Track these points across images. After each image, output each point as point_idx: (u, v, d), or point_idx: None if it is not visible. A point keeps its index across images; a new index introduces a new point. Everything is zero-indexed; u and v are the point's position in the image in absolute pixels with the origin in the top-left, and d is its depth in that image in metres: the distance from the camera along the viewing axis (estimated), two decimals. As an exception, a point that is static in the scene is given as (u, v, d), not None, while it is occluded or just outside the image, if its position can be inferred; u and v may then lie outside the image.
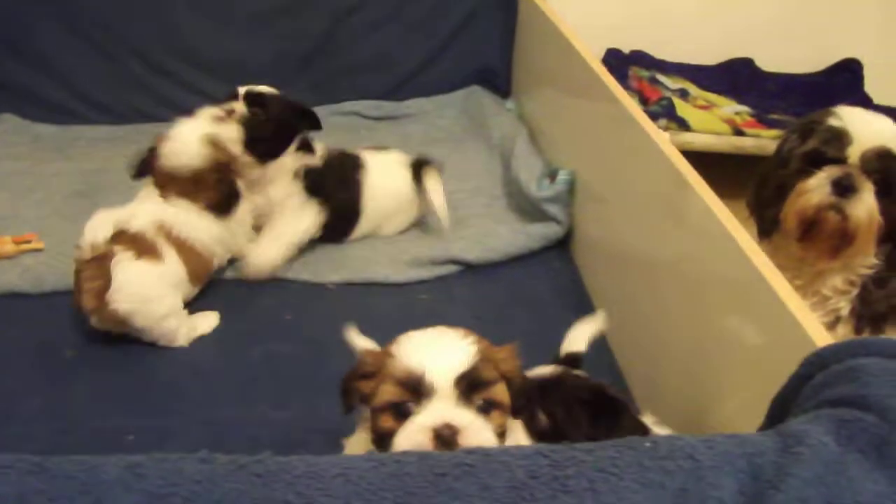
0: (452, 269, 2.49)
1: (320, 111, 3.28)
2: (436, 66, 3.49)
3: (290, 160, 2.51)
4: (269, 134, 2.44)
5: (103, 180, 2.90)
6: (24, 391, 2.00)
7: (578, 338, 1.81)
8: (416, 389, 1.25)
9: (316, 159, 2.56)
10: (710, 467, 1.05)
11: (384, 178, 2.61)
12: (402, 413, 1.27)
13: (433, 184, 2.59)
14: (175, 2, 3.36)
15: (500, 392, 1.30)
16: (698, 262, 1.82)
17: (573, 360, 1.79)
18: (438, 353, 1.28)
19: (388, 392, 1.28)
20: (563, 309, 2.33)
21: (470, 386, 1.25)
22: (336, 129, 3.29)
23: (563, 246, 2.59)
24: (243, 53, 3.40)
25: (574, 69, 2.63)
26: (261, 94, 2.48)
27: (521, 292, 2.41)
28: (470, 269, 2.49)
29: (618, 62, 3.67)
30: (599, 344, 2.17)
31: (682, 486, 1.03)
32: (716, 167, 2.41)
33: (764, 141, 3.33)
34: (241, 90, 2.50)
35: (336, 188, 2.56)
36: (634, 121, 2.14)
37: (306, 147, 2.55)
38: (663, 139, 2.02)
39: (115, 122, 3.40)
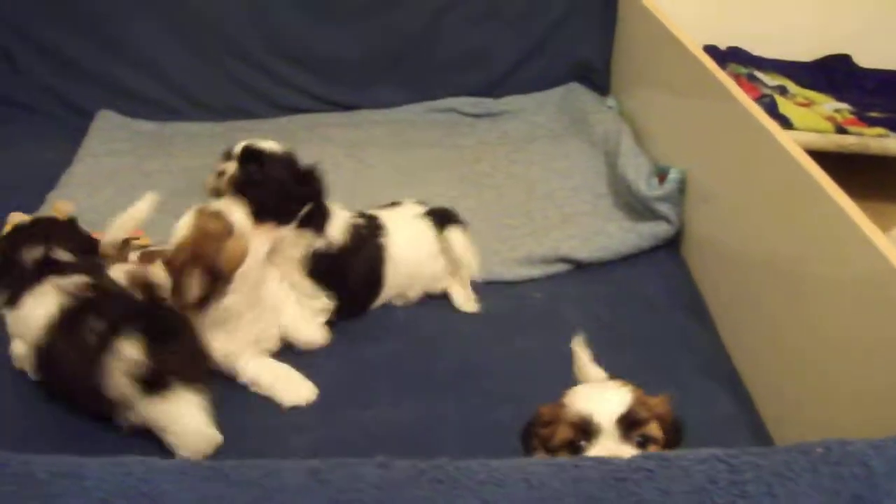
0: (562, 267, 2.48)
1: (417, 108, 3.34)
2: (533, 62, 3.48)
3: (289, 241, 2.17)
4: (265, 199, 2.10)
5: (205, 177, 2.92)
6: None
7: None
8: (587, 430, 1.44)
9: (327, 238, 2.21)
10: (883, 474, 1.04)
11: (406, 238, 2.31)
12: (575, 450, 1.45)
13: (458, 239, 2.32)
14: (273, -1, 3.39)
15: (654, 429, 1.49)
16: (828, 262, 1.79)
17: None
18: (602, 399, 1.48)
19: (564, 433, 1.47)
20: (675, 309, 2.33)
21: (628, 425, 1.44)
22: (434, 125, 3.33)
23: (672, 245, 2.57)
24: (340, 50, 3.44)
25: (683, 66, 2.62)
26: (259, 152, 2.30)
27: (633, 292, 2.40)
28: (580, 267, 2.48)
29: (715, 58, 3.62)
30: (716, 348, 2.17)
31: (855, 492, 1.03)
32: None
33: (867, 139, 3.29)
34: (239, 146, 2.39)
35: (353, 265, 2.24)
36: (754, 118, 2.12)
37: (315, 221, 2.20)
38: (787, 138, 2.00)
39: (213, 118, 3.44)
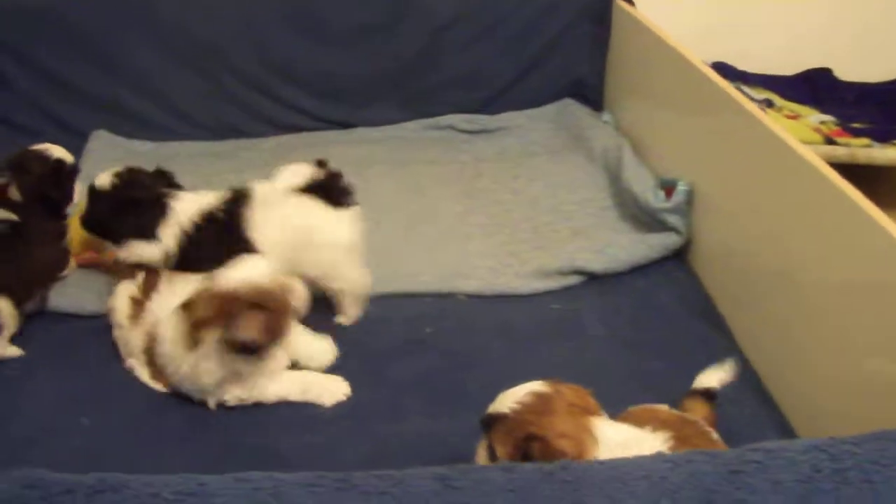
0: (577, 279, 2.52)
1: (414, 125, 3.38)
2: (528, 80, 3.52)
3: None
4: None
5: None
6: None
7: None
8: None
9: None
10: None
11: (277, 220, 2.23)
12: None
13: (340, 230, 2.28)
14: (270, 18, 3.41)
15: None
16: (851, 270, 1.84)
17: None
18: None
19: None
20: (691, 317, 2.38)
21: None
22: (432, 142, 3.36)
23: (680, 255, 2.62)
24: (338, 69, 3.46)
25: (683, 77, 2.68)
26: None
27: (648, 301, 2.45)
28: (594, 278, 2.52)
29: (702, 73, 3.70)
30: (734, 352, 2.20)
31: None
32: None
33: (854, 149, 3.37)
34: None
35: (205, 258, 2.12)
36: (765, 127, 2.18)
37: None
38: (804, 148, 2.05)
39: (211, 138, 3.45)
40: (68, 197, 2.46)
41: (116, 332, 2.18)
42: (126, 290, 2.18)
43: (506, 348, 2.25)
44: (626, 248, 2.58)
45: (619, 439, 1.51)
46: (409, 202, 2.93)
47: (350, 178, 2.95)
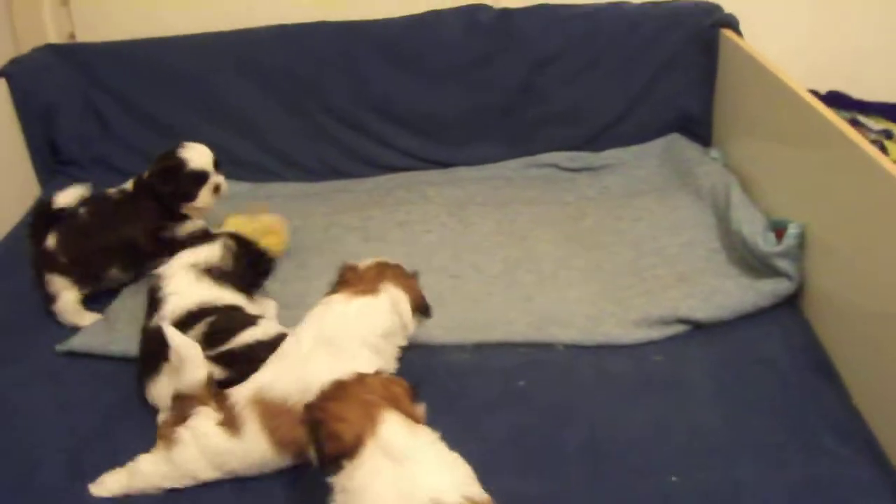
0: (680, 328, 2.40)
1: (515, 164, 3.32)
2: (633, 115, 3.42)
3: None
4: None
5: (306, 239, 2.93)
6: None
7: None
8: None
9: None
10: None
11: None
12: None
13: None
14: (368, 56, 3.40)
15: None
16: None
17: None
18: None
19: None
20: (802, 370, 2.24)
21: None
22: (533, 181, 3.30)
23: (792, 302, 2.47)
24: (436, 106, 3.43)
25: (793, 113, 2.55)
26: None
27: (756, 352, 2.31)
28: (699, 328, 2.41)
29: (817, 104, 3.55)
30: (849, 411, 2.07)
31: None
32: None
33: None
34: None
35: None
36: (880, 166, 2.03)
37: None
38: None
39: (308, 178, 3.47)
40: (191, 195, 2.73)
41: None
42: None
43: (604, 403, 2.16)
44: (733, 295, 2.45)
45: (397, 443, 1.59)
46: (508, 245, 2.86)
47: (449, 219, 2.94)
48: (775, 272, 2.45)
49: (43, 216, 2.67)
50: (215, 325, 2.21)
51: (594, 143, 3.44)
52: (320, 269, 2.63)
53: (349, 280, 2.11)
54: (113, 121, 3.47)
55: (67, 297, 2.60)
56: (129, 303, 2.65)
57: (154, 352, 2.14)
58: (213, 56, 3.40)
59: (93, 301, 2.66)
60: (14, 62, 3.33)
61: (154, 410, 2.14)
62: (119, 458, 2.00)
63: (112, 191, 2.77)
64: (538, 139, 3.44)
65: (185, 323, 2.18)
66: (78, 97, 3.44)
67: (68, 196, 2.70)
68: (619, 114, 3.42)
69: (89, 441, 2.11)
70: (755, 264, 2.52)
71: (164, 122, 3.44)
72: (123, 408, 2.19)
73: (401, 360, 2.12)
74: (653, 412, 2.12)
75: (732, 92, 3.19)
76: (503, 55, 3.37)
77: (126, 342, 2.41)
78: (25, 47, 3.45)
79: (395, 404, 1.65)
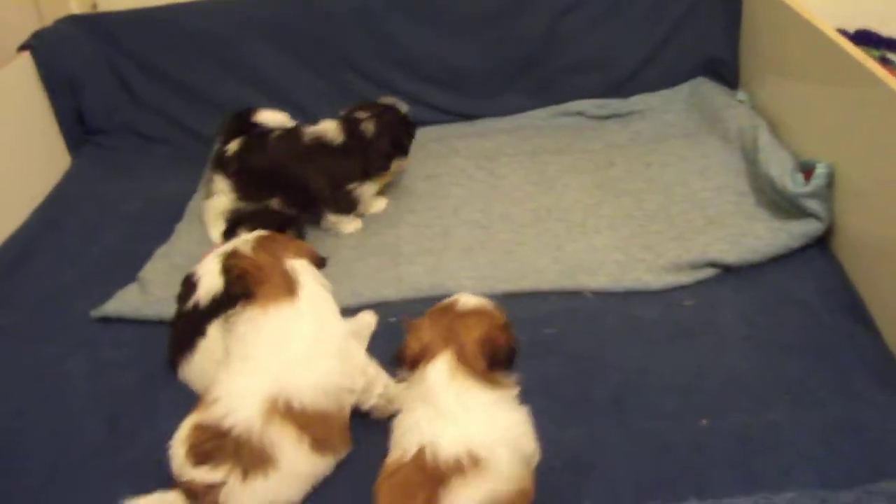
0: (711, 272, 2.41)
1: (543, 113, 3.31)
2: (659, 60, 3.40)
3: None
4: None
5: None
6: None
7: None
8: None
9: None
10: None
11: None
12: None
13: None
14: (389, 11, 3.39)
15: None
16: None
17: None
18: None
19: None
20: (834, 312, 2.23)
21: None
22: (561, 130, 3.28)
23: (822, 243, 2.46)
24: (461, 59, 3.42)
25: (821, 53, 2.52)
26: None
27: (787, 295, 2.31)
28: (730, 271, 2.41)
29: (845, 43, 3.50)
30: (885, 353, 2.07)
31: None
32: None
33: None
34: None
35: None
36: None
37: None
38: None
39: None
40: (404, 150, 2.88)
41: None
42: None
43: (634, 349, 2.17)
44: (763, 237, 2.44)
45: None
46: (538, 195, 2.87)
47: (478, 172, 2.94)
48: (805, 213, 2.44)
49: (237, 121, 2.81)
50: None
51: (621, 89, 3.42)
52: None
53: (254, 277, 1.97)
54: (138, 88, 3.49)
55: (219, 201, 2.76)
56: (161, 265, 2.69)
57: (189, 331, 2.15)
58: (236, 19, 3.40)
59: (124, 267, 2.70)
60: (38, 35, 3.35)
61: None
62: (157, 417, 2.03)
63: (310, 129, 2.81)
64: (565, 87, 3.43)
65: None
66: (103, 66, 3.46)
67: (268, 116, 2.83)
68: (645, 59, 3.40)
69: (128, 403, 2.16)
70: (784, 206, 2.51)
71: (189, 87, 3.47)
72: (159, 370, 2.22)
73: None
74: (684, 357, 2.13)
75: (759, 33, 3.15)
76: (525, 5, 3.34)
77: (159, 306, 2.45)
78: (48, 19, 3.47)
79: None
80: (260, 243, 2.02)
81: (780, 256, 2.43)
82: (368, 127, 2.75)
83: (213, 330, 2.09)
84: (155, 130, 3.47)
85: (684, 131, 3.14)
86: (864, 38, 3.60)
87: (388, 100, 2.90)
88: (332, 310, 1.99)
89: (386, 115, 2.81)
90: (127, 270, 2.68)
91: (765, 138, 2.73)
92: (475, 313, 1.76)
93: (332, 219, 2.78)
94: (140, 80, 3.48)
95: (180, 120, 3.48)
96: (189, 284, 2.21)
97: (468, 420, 1.63)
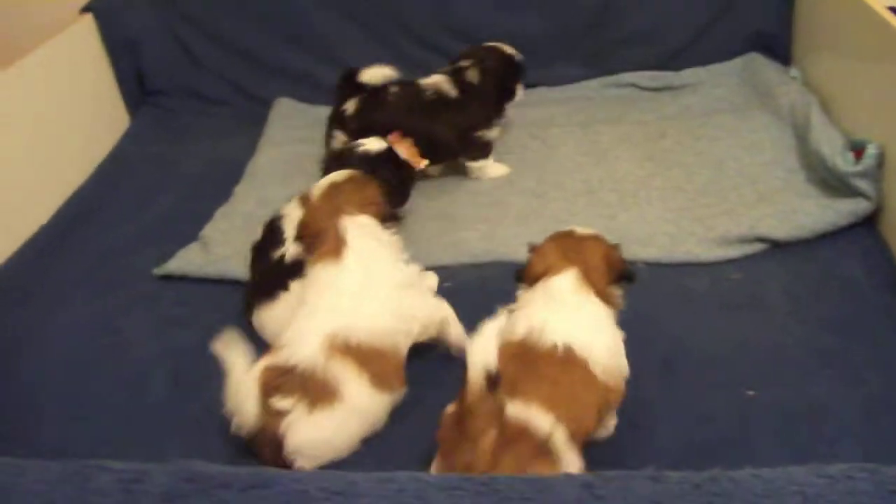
0: (759, 247, 2.47)
1: (595, 83, 3.35)
2: (711, 33, 3.44)
3: None
4: None
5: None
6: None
7: None
8: None
9: None
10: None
11: None
12: None
13: None
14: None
15: None
16: None
17: None
18: None
19: None
20: (880, 289, 2.29)
21: None
22: (613, 101, 3.33)
23: (870, 222, 2.50)
24: (516, 28, 3.45)
25: (874, 31, 2.55)
26: None
27: (834, 271, 2.36)
28: (778, 246, 2.46)
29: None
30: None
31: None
32: None
33: None
34: None
35: None
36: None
37: None
38: None
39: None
40: (512, 91, 2.94)
41: None
42: None
43: (683, 319, 2.23)
44: (812, 214, 2.50)
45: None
46: (590, 165, 2.93)
47: (531, 142, 3.00)
48: (854, 192, 2.49)
49: (347, 83, 2.88)
50: None
51: (673, 62, 3.47)
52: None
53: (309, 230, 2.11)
54: (197, 50, 3.58)
55: None
56: (223, 225, 2.78)
57: (273, 282, 2.24)
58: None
59: (182, 227, 2.78)
60: (99, -3, 3.43)
61: (251, 329, 2.25)
62: (219, 374, 2.11)
63: (426, 82, 2.90)
64: (617, 59, 3.48)
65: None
66: (162, 28, 3.56)
67: (373, 74, 2.87)
68: (698, 33, 3.44)
69: (190, 359, 2.22)
70: (834, 184, 2.55)
71: (247, 50, 3.56)
72: (221, 326, 2.28)
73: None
74: (731, 328, 2.19)
75: (812, 10, 3.19)
76: (581, -24, 3.38)
77: (222, 264, 2.55)
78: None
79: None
80: (328, 192, 2.12)
81: (827, 234, 2.48)
82: (473, 74, 2.86)
83: (296, 286, 2.17)
84: (213, 92, 3.56)
85: (735, 106, 3.18)
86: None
87: (493, 43, 3.00)
88: (384, 263, 2.07)
89: (488, 59, 2.90)
90: (186, 230, 2.75)
91: (816, 116, 2.77)
92: (592, 238, 1.90)
93: (474, 165, 2.91)
94: (199, 42, 3.57)
95: (238, 82, 3.56)
96: (274, 230, 2.30)
97: (579, 321, 1.77)
